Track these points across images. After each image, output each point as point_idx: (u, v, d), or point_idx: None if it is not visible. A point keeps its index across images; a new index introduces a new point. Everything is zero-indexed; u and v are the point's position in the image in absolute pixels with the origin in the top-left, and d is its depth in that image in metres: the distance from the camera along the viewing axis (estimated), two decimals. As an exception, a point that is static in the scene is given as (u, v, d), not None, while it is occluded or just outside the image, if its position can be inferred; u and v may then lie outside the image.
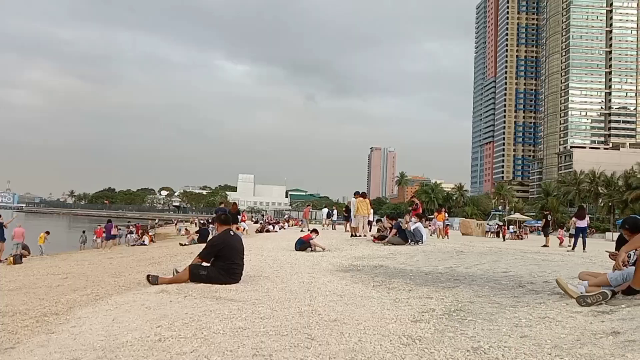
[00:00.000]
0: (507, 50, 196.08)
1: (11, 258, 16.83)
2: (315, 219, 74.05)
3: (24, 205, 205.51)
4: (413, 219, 14.88)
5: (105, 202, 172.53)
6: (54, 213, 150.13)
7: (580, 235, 18.51)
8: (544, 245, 20.67)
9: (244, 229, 25.46)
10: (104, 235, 29.54)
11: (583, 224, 18.68)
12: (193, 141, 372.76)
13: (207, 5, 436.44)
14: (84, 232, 32.22)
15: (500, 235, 40.37)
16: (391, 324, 4.23)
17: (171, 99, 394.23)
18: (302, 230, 28.04)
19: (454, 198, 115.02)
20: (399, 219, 15.45)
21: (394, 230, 14.06)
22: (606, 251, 6.96)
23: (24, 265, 15.95)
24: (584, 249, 17.35)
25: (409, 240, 13.56)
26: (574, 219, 19.84)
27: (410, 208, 19.38)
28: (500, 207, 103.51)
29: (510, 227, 49.87)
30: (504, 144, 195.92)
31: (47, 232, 26.08)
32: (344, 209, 28.90)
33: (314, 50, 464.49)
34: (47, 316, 5.17)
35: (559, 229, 35.55)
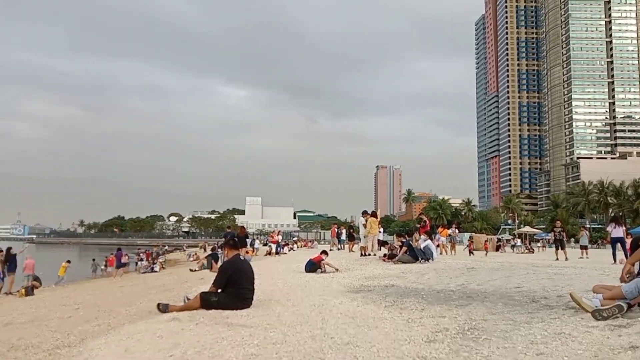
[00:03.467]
0: (507, 65, 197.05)
1: (23, 290, 16.83)
2: (324, 239, 73.69)
3: (35, 236, 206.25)
4: (422, 236, 14.81)
5: (115, 230, 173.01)
6: (64, 243, 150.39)
7: (618, 246, 16.62)
8: (556, 259, 20.44)
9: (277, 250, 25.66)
10: (114, 263, 29.55)
11: (619, 233, 16.92)
12: (199, 166, 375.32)
13: (205, 33, 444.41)
14: (94, 260, 32.22)
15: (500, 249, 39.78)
16: (405, 346, 4.19)
17: (173, 125, 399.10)
18: (332, 249, 27.99)
19: (463, 213, 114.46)
20: (408, 237, 15.39)
21: (404, 249, 13.99)
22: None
23: (36, 296, 15.95)
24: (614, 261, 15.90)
25: (419, 258, 13.47)
26: (609, 228, 18.25)
27: (419, 225, 19.30)
28: (509, 221, 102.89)
29: (517, 240, 49.29)
30: (509, 157, 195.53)
31: (69, 262, 26.25)
32: (350, 229, 28.79)
33: (313, 73, 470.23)
34: (60, 349, 5.16)
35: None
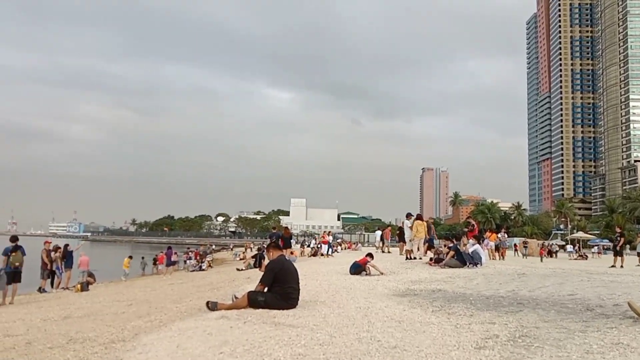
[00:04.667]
0: (561, 64, 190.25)
1: (79, 285, 17.61)
2: (368, 241, 73.38)
3: (89, 234, 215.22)
4: (471, 240, 14.53)
5: (165, 229, 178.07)
6: (117, 241, 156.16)
7: None
8: (612, 266, 19.60)
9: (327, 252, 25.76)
10: (164, 261, 30.44)
11: None
12: (245, 168, 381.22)
13: (251, 37, 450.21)
14: (142, 258, 33.28)
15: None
16: (454, 351, 4.13)
17: (221, 127, 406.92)
18: (382, 251, 27.91)
19: (512, 217, 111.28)
20: (456, 241, 15.12)
21: (451, 253, 13.76)
22: None
23: (91, 292, 16.64)
24: None
25: (467, 263, 13.22)
26: None
27: (467, 229, 18.93)
28: (561, 226, 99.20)
29: (568, 246, 47.46)
30: (562, 160, 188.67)
31: (130, 257, 27.35)
32: (397, 231, 28.54)
33: (357, 74, 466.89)
34: (115, 343, 5.36)
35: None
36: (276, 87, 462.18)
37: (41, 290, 17.37)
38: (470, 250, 13.60)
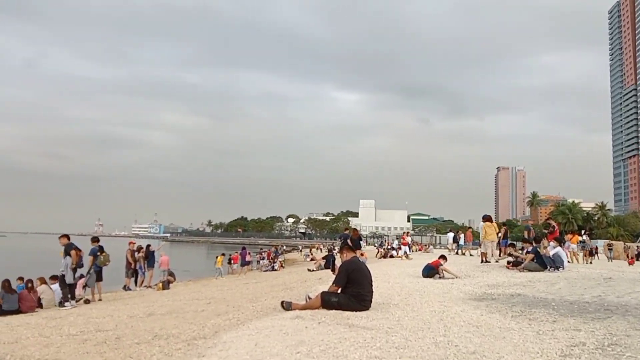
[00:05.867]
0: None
1: (160, 284, 18.50)
2: (440, 243, 71.80)
3: (169, 234, 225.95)
4: (552, 243, 13.86)
5: (239, 230, 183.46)
6: (194, 241, 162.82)
7: None
8: None
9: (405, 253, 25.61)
10: (238, 261, 31.34)
11: None
12: (314, 170, 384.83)
13: (317, 41, 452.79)
14: (217, 257, 34.37)
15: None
16: (537, 359, 3.96)
17: (289, 131, 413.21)
18: (456, 253, 27.36)
19: (596, 218, 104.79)
20: (536, 244, 14.48)
21: (530, 256, 13.20)
22: None
23: (171, 290, 17.43)
24: None
25: (548, 267, 12.63)
26: None
27: (547, 231, 18.08)
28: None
29: None
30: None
31: (223, 255, 28.52)
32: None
33: (425, 73, 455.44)
34: (197, 340, 5.59)
35: None
36: (344, 89, 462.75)
37: (126, 288, 18.40)
38: (551, 253, 12.97)
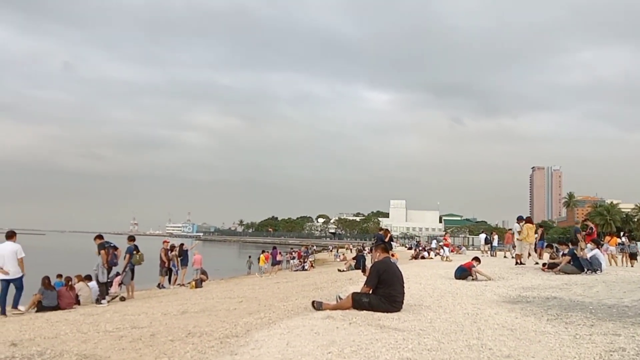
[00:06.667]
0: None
1: (193, 282, 18.79)
2: (473, 244, 70.75)
3: (202, 233, 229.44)
4: (589, 245, 13.49)
5: (270, 229, 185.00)
6: (226, 240, 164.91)
7: None
8: None
9: (446, 256, 25.40)
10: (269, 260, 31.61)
11: None
12: (344, 170, 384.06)
13: (348, 41, 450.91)
14: (249, 257, 34.70)
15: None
16: (574, 364, 3.86)
17: (321, 131, 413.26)
18: (490, 254, 26.92)
19: (635, 220, 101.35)
20: (572, 246, 14.11)
21: (566, 258, 12.88)
22: None
23: (204, 289, 17.68)
24: None
25: (585, 269, 12.29)
26: None
27: (584, 233, 17.60)
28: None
29: None
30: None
31: (263, 251, 29.00)
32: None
33: (457, 72, 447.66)
34: (229, 338, 5.65)
35: None
36: (375, 89, 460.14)
37: (160, 286, 18.77)
38: (588, 256, 12.62)
